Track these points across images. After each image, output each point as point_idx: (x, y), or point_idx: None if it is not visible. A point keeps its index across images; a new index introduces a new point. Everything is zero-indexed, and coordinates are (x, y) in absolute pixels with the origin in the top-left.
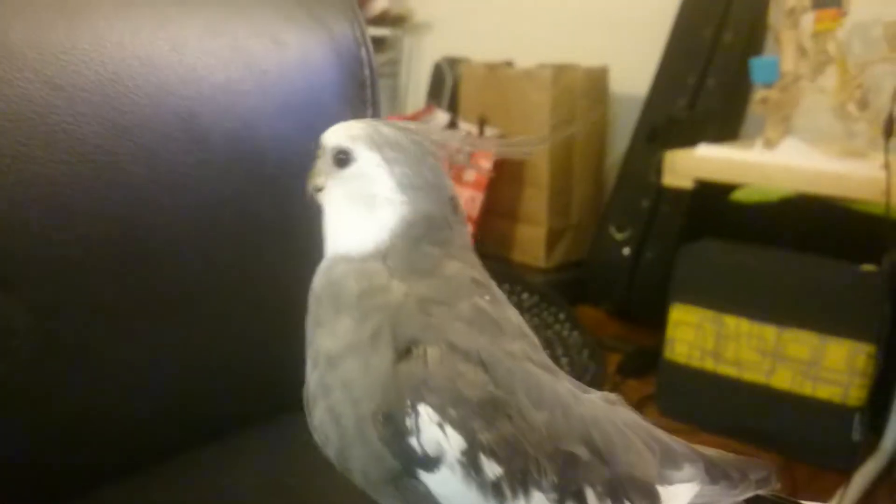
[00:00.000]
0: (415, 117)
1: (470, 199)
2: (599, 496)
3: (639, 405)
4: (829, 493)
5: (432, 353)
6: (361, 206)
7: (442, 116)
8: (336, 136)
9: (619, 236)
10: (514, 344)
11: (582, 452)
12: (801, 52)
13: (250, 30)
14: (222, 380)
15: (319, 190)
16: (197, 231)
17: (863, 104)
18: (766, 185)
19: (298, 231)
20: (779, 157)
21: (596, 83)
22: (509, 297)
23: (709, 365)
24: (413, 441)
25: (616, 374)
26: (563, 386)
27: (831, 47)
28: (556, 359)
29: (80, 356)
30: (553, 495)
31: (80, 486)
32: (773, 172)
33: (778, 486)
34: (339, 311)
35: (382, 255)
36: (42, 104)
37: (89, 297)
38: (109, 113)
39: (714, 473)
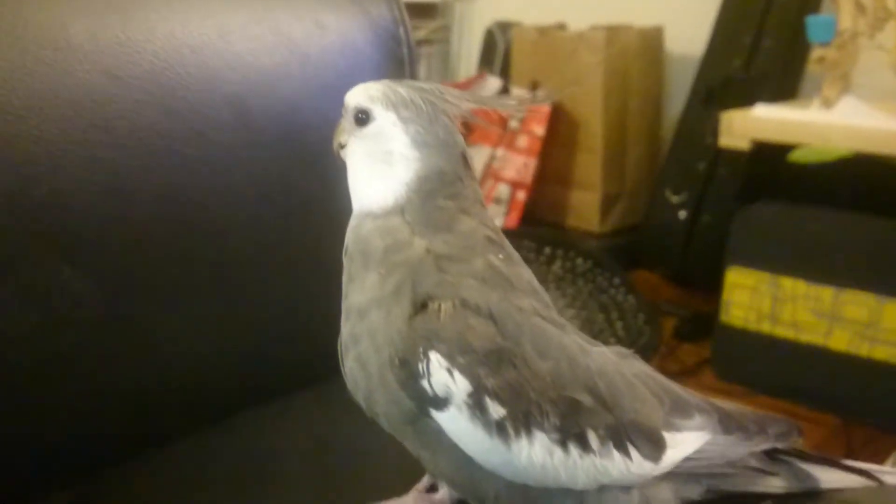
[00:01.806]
0: (467, 84)
1: (523, 165)
2: (601, 439)
3: (695, 369)
4: (885, 455)
5: (445, 307)
6: (379, 162)
7: (494, 82)
8: (356, 96)
9: (674, 199)
10: (525, 300)
11: (585, 399)
12: (860, 8)
13: (292, 15)
14: (269, 345)
15: (343, 147)
16: (246, 207)
17: None
18: (824, 145)
19: (341, 206)
20: (837, 117)
21: (650, 44)
22: (563, 263)
23: (765, 328)
24: (425, 383)
25: (672, 339)
26: (571, 339)
27: (890, 3)
28: (610, 323)
29: (140, 325)
30: (555, 436)
31: (135, 449)
32: (831, 132)
33: (800, 441)
34: (367, 267)
35: (401, 208)
36: (101, 93)
37: (147, 271)
38: (163, 99)
39: (728, 424)
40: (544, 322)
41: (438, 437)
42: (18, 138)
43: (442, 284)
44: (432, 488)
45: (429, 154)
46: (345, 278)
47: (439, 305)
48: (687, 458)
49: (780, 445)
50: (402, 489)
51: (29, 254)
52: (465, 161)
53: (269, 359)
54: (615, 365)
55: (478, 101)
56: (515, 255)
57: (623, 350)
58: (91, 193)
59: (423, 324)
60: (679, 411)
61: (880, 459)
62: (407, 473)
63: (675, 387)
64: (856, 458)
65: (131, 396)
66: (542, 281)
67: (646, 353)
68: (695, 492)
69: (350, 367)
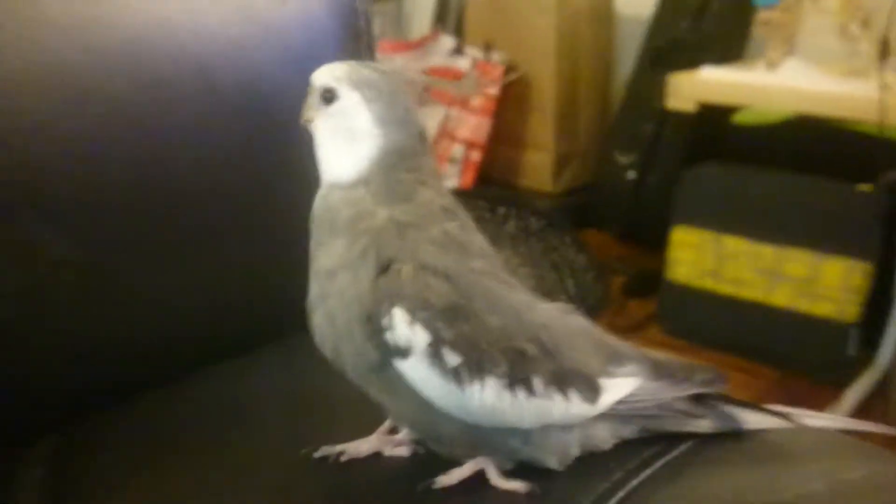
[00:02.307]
0: (420, 43)
1: (477, 125)
2: (545, 383)
3: (642, 324)
4: (823, 407)
5: (406, 269)
6: (345, 138)
7: (447, 42)
8: (323, 76)
9: (623, 160)
10: (477, 262)
11: (530, 349)
12: None
13: None
14: (238, 302)
15: (310, 122)
16: (213, 172)
17: (865, 24)
18: (768, 108)
19: (302, 170)
20: (781, 78)
21: (601, 5)
22: (517, 223)
23: (709, 284)
24: (389, 336)
25: (621, 295)
26: (518, 296)
27: None
28: (562, 280)
29: (117, 282)
30: (504, 381)
31: (113, 397)
32: (775, 94)
33: (724, 388)
34: (334, 234)
35: (365, 181)
36: (76, 66)
37: (122, 232)
38: (134, 71)
39: (658, 372)
40: (495, 281)
41: (400, 384)
42: (3, 110)
43: (403, 249)
44: (393, 431)
45: (390, 131)
46: (312, 243)
47: (401, 267)
48: (620, 402)
49: (705, 391)
50: (367, 432)
51: (14, 215)
52: (423, 137)
53: (239, 314)
54: (558, 319)
55: (434, 82)
56: (469, 222)
57: (566, 306)
58: (68, 161)
59: (387, 284)
60: (613, 360)
61: (819, 411)
62: (370, 418)
63: (610, 338)
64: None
65: (111, 348)
66: (496, 240)
67: (595, 310)
68: (629, 431)
69: (318, 322)
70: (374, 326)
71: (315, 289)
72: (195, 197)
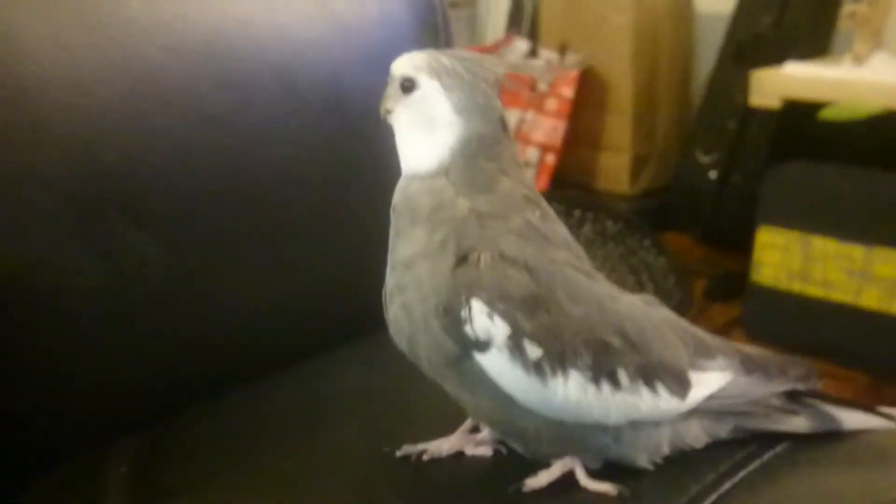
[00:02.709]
0: (494, 48)
1: (552, 128)
2: (631, 377)
3: (725, 329)
4: None
5: (485, 258)
6: (424, 127)
7: (522, 45)
8: (402, 65)
9: (705, 160)
10: (559, 253)
11: (615, 341)
12: None
13: None
14: (321, 299)
15: (389, 112)
16: (293, 172)
17: None
18: (855, 103)
19: (382, 168)
20: (868, 73)
21: (680, 3)
22: (593, 226)
23: (796, 287)
24: (467, 328)
25: (702, 299)
26: (601, 287)
27: None
28: (641, 285)
29: (199, 282)
30: (588, 374)
31: (196, 397)
32: (862, 89)
33: (818, 384)
34: (414, 224)
35: (445, 170)
36: (159, 66)
37: (206, 232)
38: (215, 71)
39: (749, 366)
40: (576, 272)
41: (480, 378)
42: (87, 109)
43: (483, 239)
44: (475, 430)
45: (470, 119)
46: (392, 233)
47: (479, 257)
48: (711, 397)
49: (800, 387)
50: (448, 431)
51: (100, 216)
52: (504, 125)
53: (320, 313)
54: (642, 311)
55: (514, 67)
56: (551, 212)
57: (650, 298)
58: (153, 160)
59: (465, 274)
60: (702, 353)
61: None
62: (452, 417)
63: (698, 331)
64: None
65: (194, 348)
66: None
67: (677, 314)
68: (722, 429)
69: (394, 314)
70: (452, 318)
71: (392, 280)
72: (277, 195)
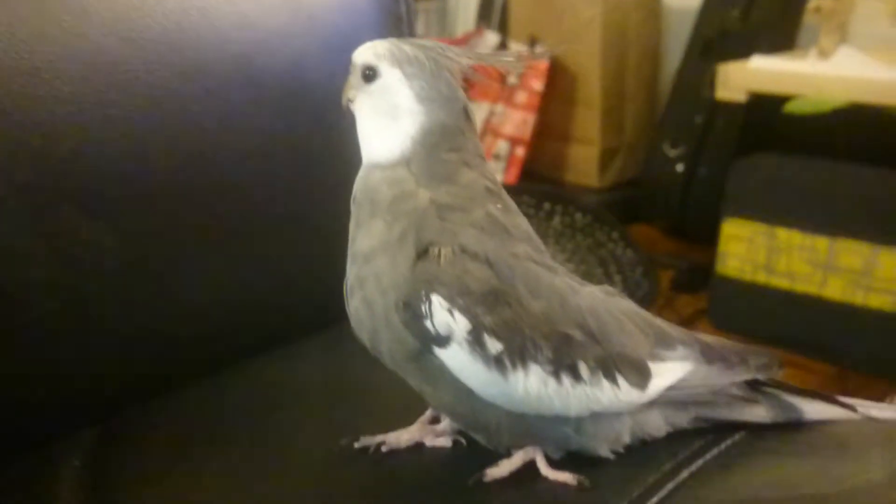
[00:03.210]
0: (465, 39)
1: (522, 120)
2: (592, 369)
3: (691, 319)
4: (879, 401)
5: (445, 253)
6: (386, 116)
7: (492, 37)
8: (363, 54)
9: (672, 153)
10: (520, 246)
11: (576, 333)
12: None
13: None
14: (280, 292)
15: (351, 101)
16: (255, 162)
17: None
18: (820, 96)
19: (346, 159)
20: (833, 67)
21: None
22: (562, 218)
23: (760, 278)
24: (427, 323)
25: (669, 291)
26: (562, 280)
27: None
28: (609, 276)
29: (157, 274)
30: (549, 368)
31: (155, 389)
32: (827, 82)
33: (780, 373)
34: (374, 215)
35: (407, 160)
36: (116, 56)
37: (163, 223)
38: (175, 60)
39: (710, 355)
40: (537, 266)
41: (441, 372)
42: (43, 99)
43: (443, 232)
44: (435, 420)
45: (432, 108)
46: (352, 224)
47: (439, 251)
48: (671, 387)
49: (760, 376)
50: (408, 422)
51: (53, 208)
52: (467, 115)
53: (281, 305)
54: (603, 302)
55: (477, 57)
56: (513, 205)
57: (610, 289)
58: (109, 151)
59: (425, 268)
60: (663, 343)
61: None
62: (412, 408)
63: (659, 321)
64: None
65: (150, 340)
66: (542, 236)
67: (644, 305)
68: (683, 419)
69: (355, 307)
70: (411, 313)
71: (352, 272)
72: (237, 187)
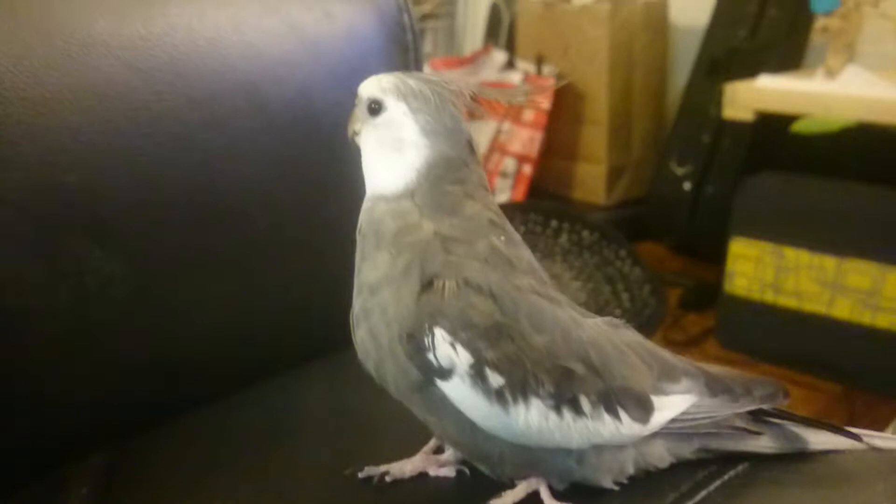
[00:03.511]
0: (472, 59)
1: (529, 138)
2: (593, 403)
3: (699, 338)
4: (886, 421)
5: (449, 286)
6: (391, 149)
7: (499, 56)
8: (369, 87)
9: (679, 171)
10: (524, 279)
11: (578, 368)
12: None
13: (302, 5)
14: (286, 318)
15: (357, 134)
16: (261, 190)
17: None
18: (828, 116)
19: (352, 187)
20: (840, 87)
21: (655, 15)
22: (569, 236)
23: (768, 297)
24: (430, 356)
25: (677, 309)
26: (565, 312)
27: None
28: (616, 294)
29: (164, 301)
30: (550, 402)
31: (162, 415)
32: (835, 102)
33: (785, 402)
34: (379, 247)
35: (411, 192)
36: (124, 85)
37: (171, 251)
38: (182, 89)
39: (714, 387)
40: (540, 299)
41: (443, 404)
42: (51, 129)
43: (447, 265)
44: (439, 450)
45: (437, 141)
46: (358, 256)
47: (444, 284)
48: (674, 420)
49: (765, 406)
50: (411, 451)
51: (62, 237)
52: (471, 147)
53: (286, 331)
54: (606, 335)
55: (481, 90)
56: (516, 236)
57: (615, 320)
58: (118, 180)
59: (429, 301)
60: (667, 376)
61: (881, 426)
62: (415, 437)
63: (663, 353)
64: (857, 426)
65: (156, 367)
66: (549, 254)
67: (651, 324)
68: (686, 449)
69: (361, 338)
70: (415, 345)
71: (358, 303)
72: (244, 214)
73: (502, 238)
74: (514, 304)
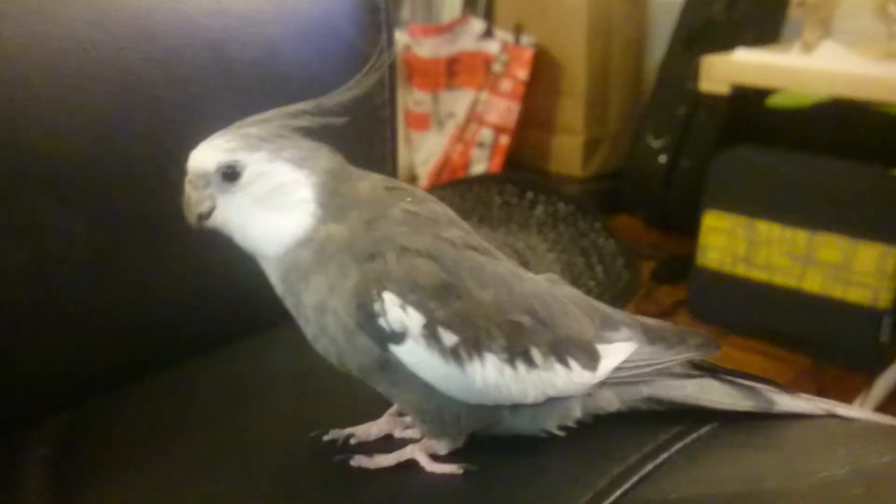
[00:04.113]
0: (450, 27)
1: (506, 109)
2: (544, 354)
3: (671, 310)
4: (854, 394)
5: (389, 256)
6: (275, 198)
7: (477, 25)
8: (213, 156)
9: (655, 144)
10: (451, 232)
11: (525, 320)
12: None
13: None
14: (250, 282)
15: (206, 216)
16: None
17: None
18: (803, 90)
19: None
20: (816, 61)
21: None
22: (545, 208)
23: (740, 270)
24: (382, 321)
25: (650, 281)
26: (504, 267)
27: None
28: (590, 267)
29: (128, 261)
30: (503, 356)
31: (126, 377)
32: (810, 76)
33: (717, 353)
34: (307, 277)
35: (320, 219)
36: (87, 41)
37: (135, 210)
38: (146, 46)
39: (651, 336)
40: (478, 254)
41: (403, 375)
42: (8, 83)
43: (377, 241)
44: (403, 412)
45: (312, 165)
46: (289, 306)
47: (385, 254)
48: (618, 368)
49: (699, 354)
50: (377, 413)
51: (20, 194)
52: (336, 154)
53: (251, 294)
54: (547, 288)
55: (318, 110)
56: (420, 192)
57: (552, 276)
58: (78, 136)
59: (373, 269)
60: (608, 326)
61: (849, 400)
62: (380, 399)
63: (601, 305)
64: (826, 398)
65: (120, 328)
66: (525, 225)
67: (624, 296)
68: (635, 396)
69: (323, 347)
70: (365, 313)
71: (311, 330)
72: None
73: (408, 199)
74: (455, 263)
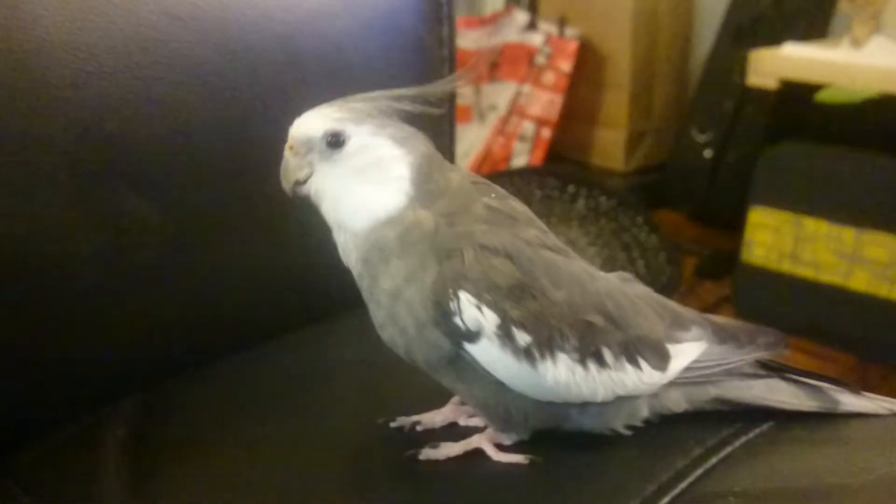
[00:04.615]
0: (493, 19)
1: (549, 101)
2: (615, 354)
3: (715, 306)
4: None
5: (467, 254)
6: (374, 172)
7: (521, 17)
8: (316, 123)
9: (700, 138)
10: (529, 231)
11: (597, 320)
12: None
13: None
14: (319, 268)
15: (302, 182)
16: None
17: None
18: (852, 86)
19: None
20: (865, 57)
21: None
22: (587, 202)
23: (786, 267)
24: (457, 320)
25: (693, 277)
26: (578, 266)
27: None
28: (632, 261)
29: (199, 250)
30: (575, 356)
31: (196, 361)
32: (859, 72)
33: (786, 351)
34: (387, 260)
35: (411, 200)
36: (163, 32)
37: (205, 201)
38: (220, 39)
39: (722, 335)
40: (552, 253)
41: (473, 370)
42: (91, 75)
43: (458, 237)
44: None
45: (412, 146)
46: (367, 284)
47: (461, 253)
48: (688, 368)
49: (768, 354)
50: (441, 402)
51: (100, 182)
52: (431, 143)
53: (318, 282)
54: (619, 287)
55: (418, 93)
56: (501, 190)
57: (625, 274)
58: (155, 128)
59: (451, 268)
60: (678, 325)
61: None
62: (445, 389)
63: (672, 304)
64: None
65: (191, 314)
66: (566, 219)
67: (666, 292)
68: (702, 396)
69: (390, 336)
70: (441, 311)
71: (380, 314)
72: (275, 166)
73: (492, 195)
74: (531, 262)
